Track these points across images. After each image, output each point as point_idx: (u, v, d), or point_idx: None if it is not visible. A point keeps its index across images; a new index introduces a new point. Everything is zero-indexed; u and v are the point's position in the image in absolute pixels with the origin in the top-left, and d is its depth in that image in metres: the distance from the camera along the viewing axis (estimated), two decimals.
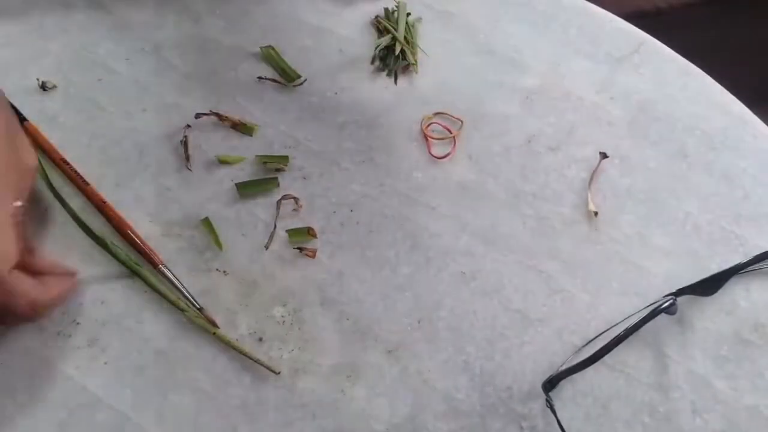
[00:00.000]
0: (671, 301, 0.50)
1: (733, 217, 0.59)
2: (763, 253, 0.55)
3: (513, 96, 0.65)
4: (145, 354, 0.52)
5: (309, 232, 0.57)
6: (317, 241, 0.57)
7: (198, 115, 0.61)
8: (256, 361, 0.52)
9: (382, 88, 0.65)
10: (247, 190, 0.58)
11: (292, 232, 0.57)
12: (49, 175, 0.58)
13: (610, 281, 0.56)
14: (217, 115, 0.61)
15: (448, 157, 0.61)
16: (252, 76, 0.65)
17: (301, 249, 0.56)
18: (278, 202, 0.58)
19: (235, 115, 0.62)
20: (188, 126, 0.61)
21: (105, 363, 0.52)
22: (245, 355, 0.52)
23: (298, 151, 0.61)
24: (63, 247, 0.56)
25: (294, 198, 0.58)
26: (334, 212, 0.58)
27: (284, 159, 0.60)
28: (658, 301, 0.54)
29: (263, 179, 0.59)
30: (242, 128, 0.62)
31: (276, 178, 0.59)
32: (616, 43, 0.68)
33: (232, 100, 0.63)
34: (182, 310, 0.53)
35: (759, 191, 0.60)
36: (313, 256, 0.56)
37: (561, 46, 0.68)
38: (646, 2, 1.32)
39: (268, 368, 0.52)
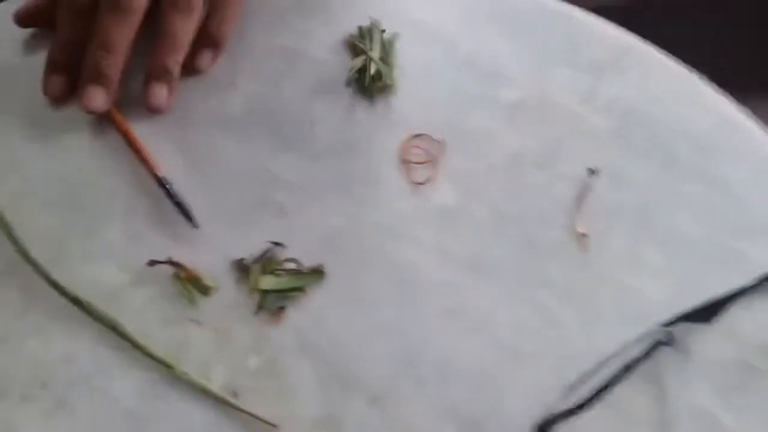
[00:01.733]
0: (668, 334, 0.47)
1: (729, 229, 0.56)
2: (765, 274, 0.52)
3: (496, 111, 0.62)
4: (115, 414, 0.50)
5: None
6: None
7: (152, 263, 0.54)
8: (252, 416, 0.49)
9: (359, 112, 0.62)
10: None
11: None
12: (10, 227, 0.55)
13: (604, 308, 0.53)
14: (174, 264, 0.54)
15: (429, 182, 0.59)
16: (223, 107, 0.62)
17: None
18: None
19: (194, 267, 0.54)
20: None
21: (73, 426, 0.50)
22: (241, 410, 0.49)
23: (272, 185, 0.58)
24: (26, 303, 0.53)
25: (278, 243, 0.56)
26: (313, 250, 0.56)
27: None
28: (653, 331, 0.51)
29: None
30: (197, 285, 0.53)
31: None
32: (601, 48, 0.65)
33: (204, 132, 0.61)
34: (168, 366, 0.50)
35: (754, 200, 0.57)
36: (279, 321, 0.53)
37: (544, 54, 0.65)
38: None
39: (265, 422, 0.49)
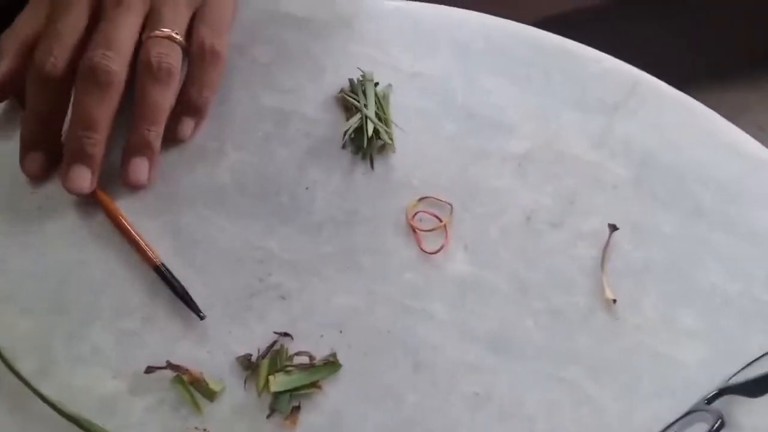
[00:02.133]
0: (719, 423, 0.43)
1: (765, 282, 0.53)
2: None
3: (503, 165, 0.58)
4: None
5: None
6: None
7: (150, 369, 0.49)
8: None
9: (358, 175, 0.58)
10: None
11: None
12: None
13: (640, 381, 0.50)
14: (173, 367, 0.49)
15: (441, 251, 0.54)
16: (210, 178, 0.58)
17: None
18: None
19: (195, 368, 0.50)
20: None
21: None
22: None
23: (271, 265, 0.54)
24: (16, 424, 0.48)
25: (286, 334, 0.51)
26: (322, 336, 0.52)
27: None
28: (699, 409, 0.47)
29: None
30: (201, 389, 0.49)
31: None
32: (607, 86, 0.62)
33: (193, 210, 0.56)
34: None
35: None
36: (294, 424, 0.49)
37: (546, 97, 0.61)
38: (566, 3, 1.24)
39: None
